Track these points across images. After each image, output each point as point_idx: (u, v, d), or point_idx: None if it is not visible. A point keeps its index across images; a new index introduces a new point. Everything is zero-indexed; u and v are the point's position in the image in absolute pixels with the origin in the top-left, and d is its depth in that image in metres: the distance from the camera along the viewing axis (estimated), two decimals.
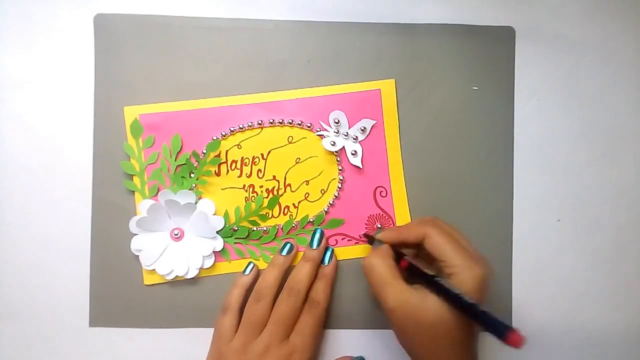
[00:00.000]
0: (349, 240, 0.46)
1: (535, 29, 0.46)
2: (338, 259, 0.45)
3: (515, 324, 0.45)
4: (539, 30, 0.46)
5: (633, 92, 0.47)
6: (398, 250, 0.40)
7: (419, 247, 0.39)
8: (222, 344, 0.41)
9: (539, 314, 0.46)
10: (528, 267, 0.46)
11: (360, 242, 0.45)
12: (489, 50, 0.46)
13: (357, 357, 0.44)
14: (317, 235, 0.44)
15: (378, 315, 0.45)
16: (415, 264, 0.38)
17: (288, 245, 0.44)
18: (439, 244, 0.37)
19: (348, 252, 0.46)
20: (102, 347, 0.45)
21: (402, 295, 0.36)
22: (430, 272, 0.36)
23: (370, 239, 0.44)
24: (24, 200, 0.45)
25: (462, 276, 0.35)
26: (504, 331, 0.30)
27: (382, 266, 0.38)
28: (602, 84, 0.47)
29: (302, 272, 0.43)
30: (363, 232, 0.45)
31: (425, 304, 0.35)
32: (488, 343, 0.45)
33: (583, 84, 0.46)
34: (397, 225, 0.45)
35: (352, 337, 0.45)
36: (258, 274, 0.44)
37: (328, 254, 0.45)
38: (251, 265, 0.44)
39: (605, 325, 0.46)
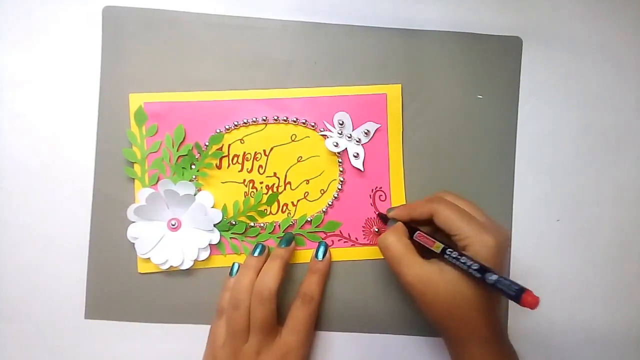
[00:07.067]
0: (345, 241, 0.46)
1: (536, 29, 0.46)
2: (333, 260, 0.45)
3: (514, 323, 0.45)
4: (540, 30, 0.47)
5: (633, 92, 0.47)
6: (412, 226, 0.40)
7: (433, 224, 0.40)
8: (215, 349, 0.41)
9: (539, 314, 0.46)
10: (528, 267, 0.46)
11: (356, 245, 0.45)
12: (496, 60, 0.46)
13: None
14: (322, 249, 0.45)
15: (371, 318, 0.45)
16: (427, 236, 0.39)
17: (260, 247, 0.44)
18: (447, 218, 0.37)
19: (343, 253, 0.45)
20: (97, 339, 0.45)
21: (418, 269, 0.37)
22: (441, 245, 0.37)
23: (384, 218, 0.44)
24: (26, 191, 0.45)
25: (475, 247, 0.36)
26: (518, 294, 0.31)
27: (396, 243, 0.38)
28: (602, 84, 0.47)
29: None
30: (377, 212, 0.45)
31: (442, 276, 0.36)
32: None
33: (583, 84, 0.47)
34: (407, 203, 0.45)
35: (344, 340, 0.45)
36: None
37: (322, 248, 0.45)
38: (236, 266, 0.44)
39: (605, 325, 0.46)
